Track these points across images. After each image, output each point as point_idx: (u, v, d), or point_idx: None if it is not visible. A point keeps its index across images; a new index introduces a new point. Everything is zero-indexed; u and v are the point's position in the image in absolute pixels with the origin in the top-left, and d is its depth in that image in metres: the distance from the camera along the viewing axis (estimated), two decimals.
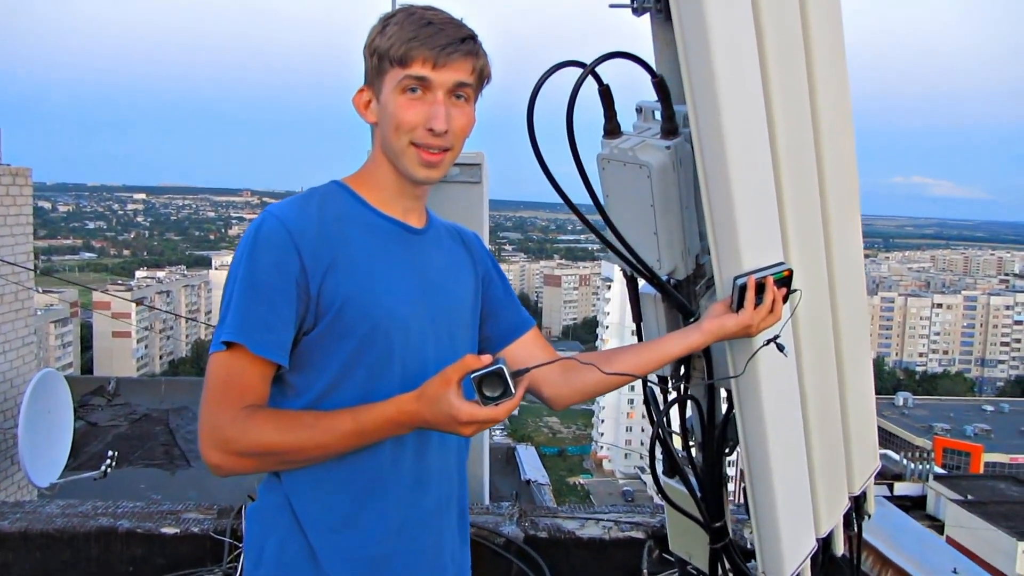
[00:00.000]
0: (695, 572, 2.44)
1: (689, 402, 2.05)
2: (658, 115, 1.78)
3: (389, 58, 1.39)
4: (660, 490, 2.15)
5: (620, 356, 1.64)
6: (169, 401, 11.74)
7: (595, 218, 1.77)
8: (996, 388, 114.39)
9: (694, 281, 1.90)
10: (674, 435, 2.17)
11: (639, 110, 1.88)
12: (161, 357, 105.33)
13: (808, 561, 2.02)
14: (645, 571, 2.87)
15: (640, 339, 2.00)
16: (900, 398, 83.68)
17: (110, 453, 8.46)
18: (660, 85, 1.72)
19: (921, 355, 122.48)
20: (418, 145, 1.41)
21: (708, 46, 1.44)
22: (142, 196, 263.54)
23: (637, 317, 2.02)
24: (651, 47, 1.83)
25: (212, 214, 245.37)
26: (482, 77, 1.46)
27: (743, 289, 1.57)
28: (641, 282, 1.94)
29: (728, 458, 2.12)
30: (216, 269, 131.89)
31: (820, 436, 1.93)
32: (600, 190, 1.82)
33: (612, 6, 1.79)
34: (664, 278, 1.84)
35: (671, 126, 1.75)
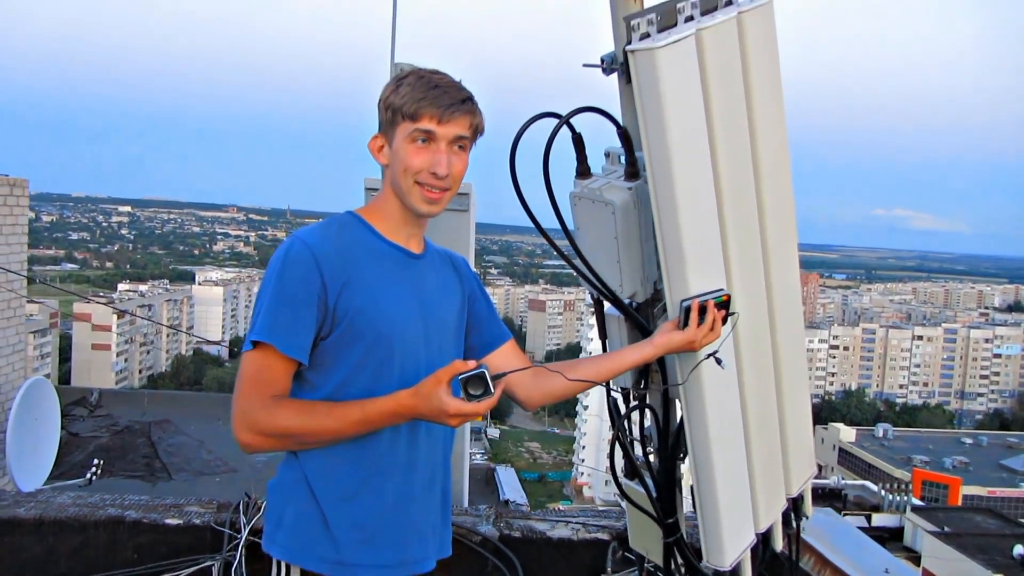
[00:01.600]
0: (652, 569, 2.71)
1: (648, 411, 2.33)
2: (623, 160, 2.07)
3: (402, 113, 1.68)
4: (620, 489, 2.42)
5: (583, 364, 1.92)
6: (151, 414, 11.79)
7: (564, 243, 2.06)
8: (975, 421, 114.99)
9: (652, 304, 2.18)
10: (635, 442, 2.44)
11: (607, 155, 2.16)
12: (140, 371, 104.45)
13: (748, 552, 2.29)
14: (609, 569, 3.13)
15: (604, 348, 2.27)
16: (880, 429, 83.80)
17: (95, 461, 8.59)
18: (624, 135, 2.01)
19: (901, 387, 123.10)
20: (422, 184, 1.71)
21: (661, 110, 1.73)
22: (127, 208, 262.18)
23: (603, 335, 2.29)
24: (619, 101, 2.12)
25: (197, 229, 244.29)
26: (477, 131, 1.76)
27: (688, 310, 1.85)
28: (607, 304, 2.22)
29: (683, 464, 2.40)
30: (199, 284, 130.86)
31: (759, 442, 2.20)
32: (572, 223, 2.10)
33: (585, 65, 2.08)
34: (626, 301, 2.12)
35: (633, 170, 2.03)
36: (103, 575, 2.87)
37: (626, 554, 3.11)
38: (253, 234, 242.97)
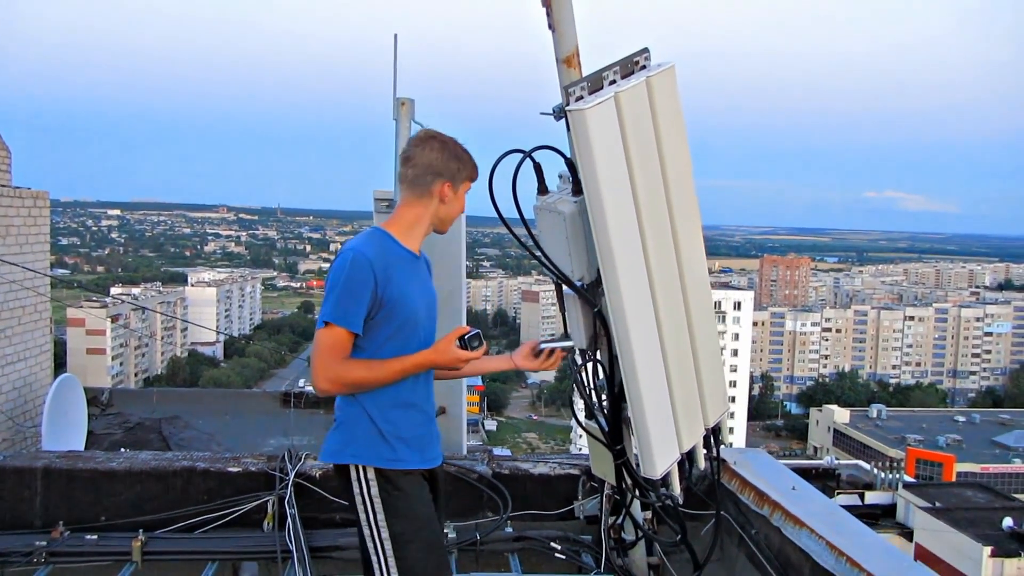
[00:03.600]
0: (610, 493, 3.51)
1: (599, 366, 3.11)
2: (571, 180, 2.86)
3: (467, 175, 2.62)
4: (580, 424, 3.21)
5: (487, 360, 2.77)
6: (161, 411, 12.46)
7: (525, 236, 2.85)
8: (967, 399, 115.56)
9: (597, 284, 2.96)
10: (593, 391, 3.22)
11: (561, 176, 2.95)
12: (136, 374, 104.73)
13: (675, 467, 3.08)
14: (579, 497, 3.95)
15: (564, 323, 3.07)
16: (874, 410, 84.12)
17: (123, 450, 9.33)
18: (571, 165, 2.80)
19: (894, 367, 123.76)
20: None
21: (591, 153, 2.53)
22: (116, 212, 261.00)
23: (562, 309, 3.08)
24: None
25: (188, 230, 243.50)
26: None
27: (543, 350, 2.79)
28: (565, 287, 3.01)
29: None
30: (192, 286, 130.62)
31: (679, 382, 2.99)
32: (536, 226, 2.90)
33: (542, 113, 2.86)
34: (577, 283, 2.91)
35: (578, 188, 2.82)
36: (182, 511, 3.67)
37: (592, 484, 3.92)
38: (244, 233, 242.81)
